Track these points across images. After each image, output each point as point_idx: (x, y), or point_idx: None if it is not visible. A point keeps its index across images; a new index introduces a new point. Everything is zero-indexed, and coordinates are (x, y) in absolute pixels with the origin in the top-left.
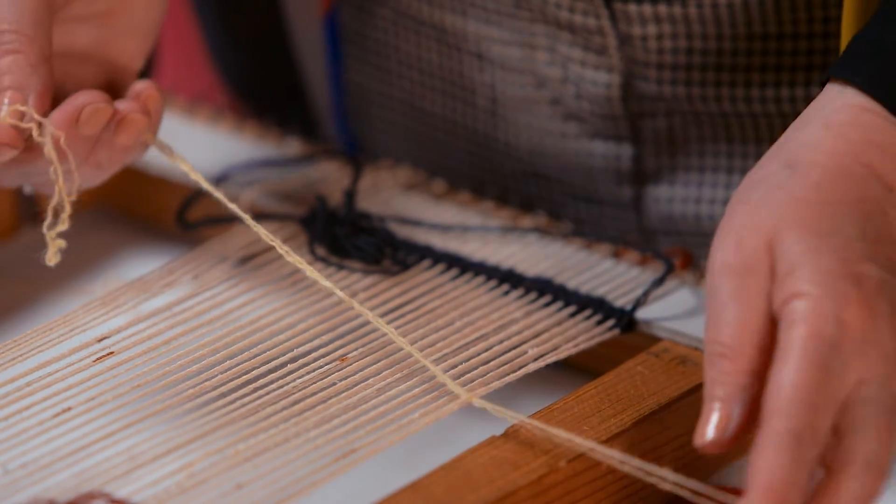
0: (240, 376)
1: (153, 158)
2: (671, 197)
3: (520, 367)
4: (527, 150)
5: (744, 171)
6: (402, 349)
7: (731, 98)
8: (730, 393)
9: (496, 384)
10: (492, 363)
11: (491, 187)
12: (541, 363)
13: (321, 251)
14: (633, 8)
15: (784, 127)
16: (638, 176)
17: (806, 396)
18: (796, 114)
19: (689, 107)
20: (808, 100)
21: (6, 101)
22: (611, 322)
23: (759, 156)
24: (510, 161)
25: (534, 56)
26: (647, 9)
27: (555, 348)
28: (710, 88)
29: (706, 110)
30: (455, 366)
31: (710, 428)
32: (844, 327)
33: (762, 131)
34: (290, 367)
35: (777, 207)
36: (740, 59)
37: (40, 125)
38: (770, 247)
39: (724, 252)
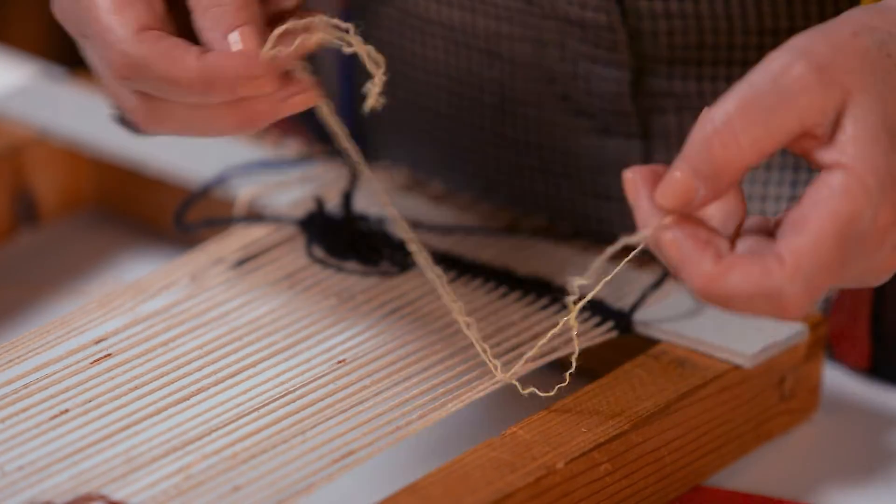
0: (237, 378)
1: (150, 160)
2: None
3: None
4: (535, 145)
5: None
6: (398, 351)
7: None
8: (710, 174)
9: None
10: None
11: (497, 184)
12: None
13: (319, 253)
14: (643, 4)
15: None
16: None
17: (809, 272)
18: None
19: (700, 102)
20: None
21: (239, 35)
22: (609, 324)
23: None
24: (518, 157)
25: (544, 52)
26: (658, 4)
27: (553, 350)
28: (721, 83)
29: None
30: (462, 363)
31: (671, 189)
32: (875, 227)
33: None
34: (287, 368)
35: (875, 78)
36: (751, 53)
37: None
38: (847, 94)
39: (816, 45)
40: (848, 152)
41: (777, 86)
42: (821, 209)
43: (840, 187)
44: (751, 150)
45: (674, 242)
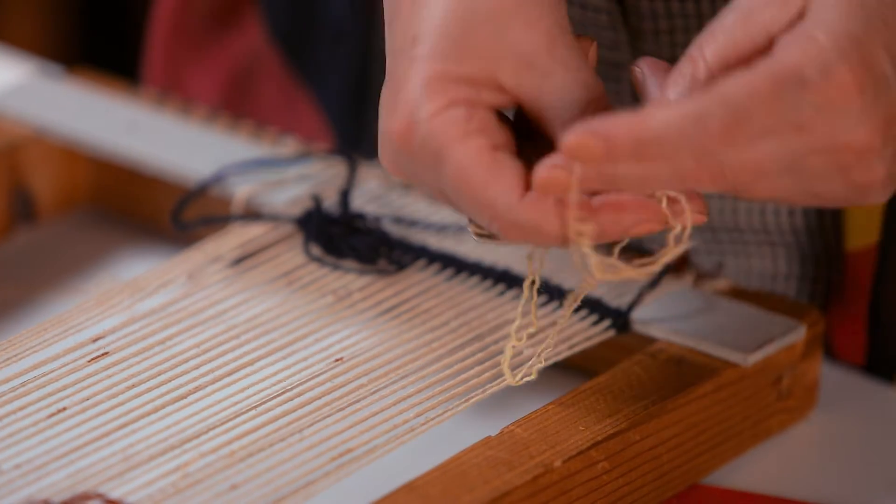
0: (234, 376)
1: (148, 158)
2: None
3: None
4: None
5: None
6: (395, 349)
7: None
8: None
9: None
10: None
11: None
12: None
13: (316, 251)
14: (644, 4)
15: None
16: None
17: (737, 96)
18: None
19: None
20: None
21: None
22: (607, 322)
23: None
24: None
25: None
26: (660, 4)
27: (550, 348)
28: None
29: None
30: (453, 365)
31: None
32: (827, 82)
33: None
34: (285, 367)
35: None
36: None
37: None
38: None
39: None
40: (800, 23)
41: (741, 6)
42: (763, 60)
43: (787, 41)
44: (715, 61)
45: (582, 128)
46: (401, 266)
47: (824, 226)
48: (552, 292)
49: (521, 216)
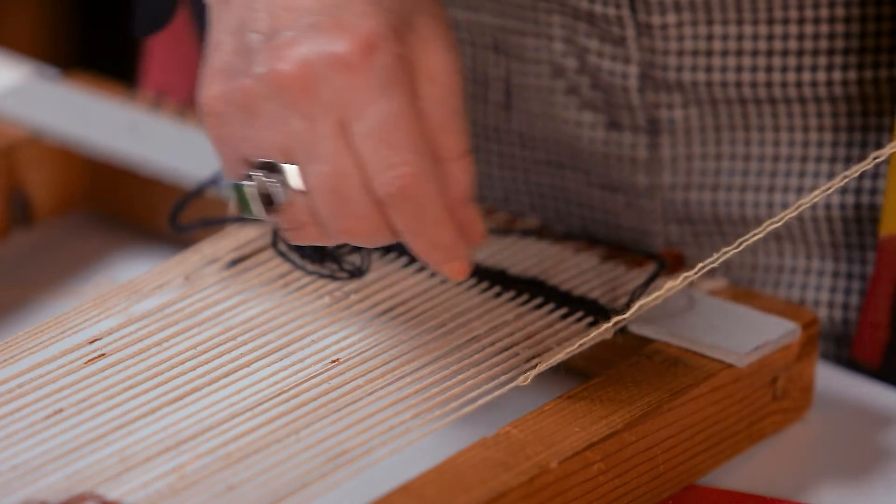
0: (231, 378)
1: (144, 160)
2: (687, 184)
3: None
4: (541, 139)
5: (761, 158)
6: (391, 350)
7: (751, 83)
8: None
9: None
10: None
11: (500, 179)
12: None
13: (311, 253)
14: None
15: (804, 113)
16: (654, 164)
17: None
18: (817, 99)
19: (709, 94)
20: (830, 84)
21: None
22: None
23: (776, 142)
24: (524, 151)
25: (550, 46)
26: None
27: (546, 350)
28: (730, 74)
29: (725, 97)
30: (447, 367)
31: None
32: None
33: (781, 118)
34: (281, 368)
35: None
36: (761, 43)
37: None
38: None
39: None
40: None
41: None
42: None
43: None
44: None
45: None
46: (397, 267)
47: (860, 215)
48: (548, 294)
49: None
